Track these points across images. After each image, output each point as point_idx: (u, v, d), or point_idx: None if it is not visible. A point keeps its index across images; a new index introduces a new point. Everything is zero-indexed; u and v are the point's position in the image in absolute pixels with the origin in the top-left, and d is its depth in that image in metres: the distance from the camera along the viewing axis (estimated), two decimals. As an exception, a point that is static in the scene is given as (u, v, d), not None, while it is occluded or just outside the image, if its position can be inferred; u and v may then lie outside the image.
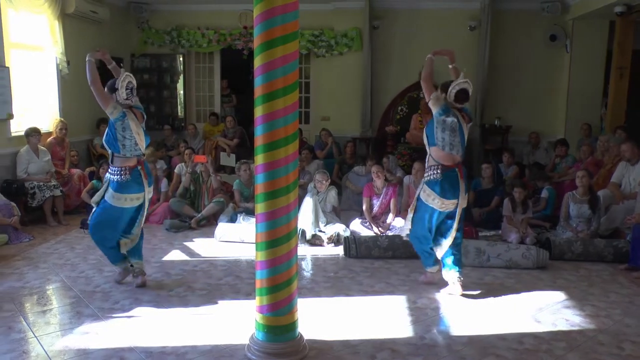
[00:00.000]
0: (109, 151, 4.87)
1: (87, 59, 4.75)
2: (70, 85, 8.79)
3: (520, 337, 4.14)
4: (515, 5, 10.19)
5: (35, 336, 4.04)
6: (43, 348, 3.86)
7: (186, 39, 10.96)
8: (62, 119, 8.29)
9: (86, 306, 4.60)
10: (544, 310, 4.65)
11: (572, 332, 4.24)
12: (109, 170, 4.88)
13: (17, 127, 7.73)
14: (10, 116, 7.43)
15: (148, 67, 11.22)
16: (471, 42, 10.32)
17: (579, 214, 6.54)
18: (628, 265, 5.70)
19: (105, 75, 4.82)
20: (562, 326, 4.35)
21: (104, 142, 4.92)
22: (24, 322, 4.28)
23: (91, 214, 5.00)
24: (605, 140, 8.08)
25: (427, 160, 4.94)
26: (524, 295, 5.01)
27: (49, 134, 8.21)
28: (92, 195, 7.26)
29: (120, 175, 4.76)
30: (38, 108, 8.45)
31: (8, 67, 7.37)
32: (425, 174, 4.89)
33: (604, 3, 8.45)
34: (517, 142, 10.15)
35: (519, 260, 5.71)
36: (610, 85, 9.26)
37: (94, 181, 7.64)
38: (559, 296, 5.00)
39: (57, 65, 8.50)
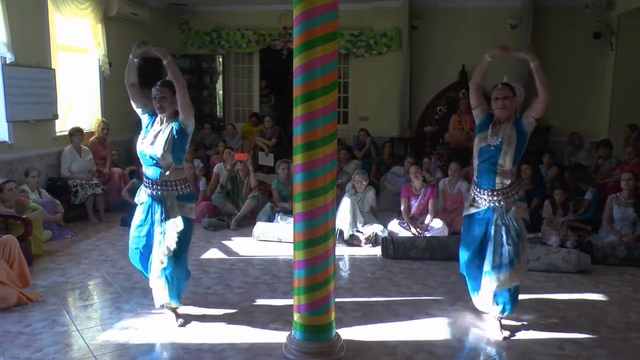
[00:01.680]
0: (175, 165, 4.15)
1: (166, 61, 4.06)
2: (111, 86, 8.98)
3: (560, 343, 4.04)
4: (558, 2, 9.98)
5: (78, 330, 4.15)
6: (85, 341, 3.96)
7: (226, 40, 11.08)
8: (104, 119, 8.48)
9: (126, 302, 4.70)
10: (585, 316, 4.53)
11: (615, 339, 4.12)
12: (176, 187, 4.17)
13: (61, 127, 7.95)
14: (56, 116, 7.64)
15: (188, 68, 11.37)
16: (512, 40, 10.08)
17: (623, 217, 6.36)
18: (675, 270, 5.54)
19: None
20: (605, 333, 4.23)
21: (172, 158, 4.10)
22: (67, 316, 4.39)
23: (180, 251, 4.20)
24: (652, 141, 7.85)
25: (510, 177, 4.07)
26: (565, 299, 4.90)
27: (91, 133, 8.41)
28: (132, 194, 7.41)
29: (188, 187, 4.30)
30: (81, 108, 8.68)
31: (54, 69, 7.58)
32: (515, 193, 4.07)
33: (652, -2, 8.21)
34: (557, 143, 9.93)
35: (559, 263, 5.58)
36: (657, 85, 9.00)
37: (134, 180, 7.79)
38: (601, 301, 4.88)
39: (100, 66, 8.70)
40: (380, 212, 7.45)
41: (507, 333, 4.15)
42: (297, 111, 3.59)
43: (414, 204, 6.85)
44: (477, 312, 4.53)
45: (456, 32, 10.27)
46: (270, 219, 7.19)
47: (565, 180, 7.80)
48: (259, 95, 11.69)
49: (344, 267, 5.91)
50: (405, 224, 6.74)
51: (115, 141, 8.88)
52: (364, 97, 10.90)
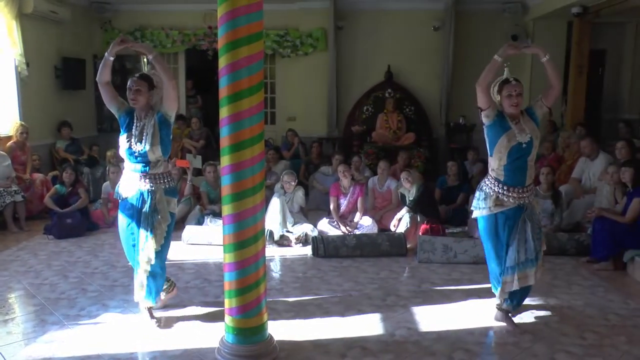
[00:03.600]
0: (163, 158, 4.19)
1: (152, 56, 4.07)
2: (30, 87, 8.59)
3: (487, 331, 4.21)
4: (478, 6, 10.34)
5: (-3, 346, 3.95)
6: (4, 358, 3.77)
7: (150, 40, 10.79)
8: (23, 123, 8.09)
9: (51, 314, 4.50)
10: (509, 305, 4.72)
11: (538, 324, 4.33)
12: (163, 180, 4.19)
13: (-25, 132, 7.55)
14: (-32, 120, 7.25)
15: (111, 69, 10.96)
16: (435, 42, 10.43)
17: (542, 209, 6.63)
18: (589, 258, 5.84)
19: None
20: (528, 319, 4.44)
21: (161, 150, 4.12)
22: (-15, 332, 4.17)
23: (165, 246, 4.35)
24: (566, 137, 8.26)
25: (534, 171, 4.27)
26: (491, 289, 5.06)
27: (9, 138, 8.01)
28: (55, 201, 7.18)
29: (173, 180, 4.33)
30: (-4, 112, 8.26)
31: (-36, 70, 7.18)
32: (534, 187, 4.30)
33: (561, 4, 8.67)
34: (481, 140, 10.20)
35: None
36: (569, 83, 9.47)
37: (57, 186, 7.46)
38: (524, 290, 5.08)
39: (16, 67, 8.30)
40: (310, 212, 7.49)
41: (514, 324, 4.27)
42: (224, 112, 3.56)
43: (343, 203, 6.93)
44: (408, 307, 4.64)
45: (381, 33, 10.44)
46: (200, 222, 7.09)
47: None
48: (186, 97, 11.49)
49: (275, 267, 5.90)
50: (335, 223, 6.80)
51: (35, 145, 8.51)
52: (291, 97, 10.91)
